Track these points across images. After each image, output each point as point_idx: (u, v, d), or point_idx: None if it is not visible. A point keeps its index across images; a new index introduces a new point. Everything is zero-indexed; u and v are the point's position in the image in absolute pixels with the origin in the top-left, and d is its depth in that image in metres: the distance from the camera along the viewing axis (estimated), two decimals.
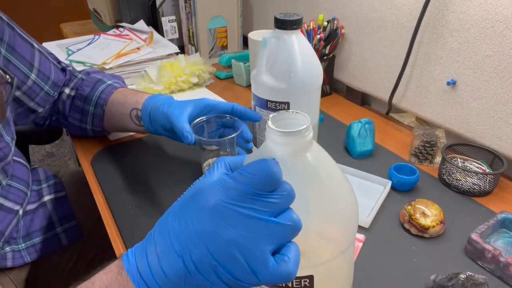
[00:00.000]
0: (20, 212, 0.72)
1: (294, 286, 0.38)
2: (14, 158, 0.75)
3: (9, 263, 0.72)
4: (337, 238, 0.38)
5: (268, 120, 0.35)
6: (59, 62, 0.81)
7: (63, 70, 0.81)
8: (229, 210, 0.30)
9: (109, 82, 0.81)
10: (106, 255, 0.84)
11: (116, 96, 0.78)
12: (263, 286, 0.34)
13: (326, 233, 0.38)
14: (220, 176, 0.32)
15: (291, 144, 0.34)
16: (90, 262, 0.84)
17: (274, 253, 0.32)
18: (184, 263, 0.31)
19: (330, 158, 0.38)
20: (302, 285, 0.38)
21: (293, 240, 0.33)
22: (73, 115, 0.80)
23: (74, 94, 0.80)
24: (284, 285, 0.38)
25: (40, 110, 0.76)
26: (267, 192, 0.31)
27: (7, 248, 0.72)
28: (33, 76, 0.71)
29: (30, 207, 0.79)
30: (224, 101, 1.07)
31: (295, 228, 0.32)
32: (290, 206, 0.32)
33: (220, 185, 0.31)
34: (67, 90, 0.80)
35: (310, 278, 0.38)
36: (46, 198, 0.82)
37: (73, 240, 0.81)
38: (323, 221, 0.37)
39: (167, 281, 0.32)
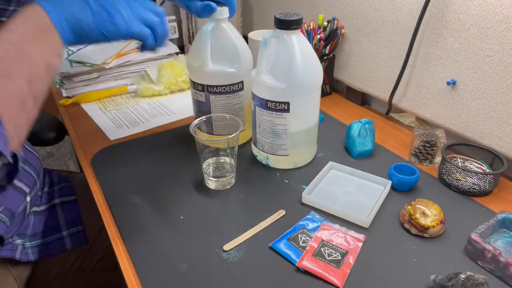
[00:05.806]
0: (28, 199, 0.73)
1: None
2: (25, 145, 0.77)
3: (17, 255, 0.72)
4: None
5: None
6: None
7: None
8: None
9: None
10: (110, 258, 0.84)
11: None
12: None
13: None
14: None
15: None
16: (94, 265, 0.84)
17: None
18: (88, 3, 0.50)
19: None
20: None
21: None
22: None
23: None
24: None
25: None
26: None
27: (18, 241, 0.73)
28: None
29: (41, 208, 0.79)
30: None
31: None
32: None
33: None
34: None
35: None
36: (57, 200, 0.83)
37: (77, 245, 0.82)
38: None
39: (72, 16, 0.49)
